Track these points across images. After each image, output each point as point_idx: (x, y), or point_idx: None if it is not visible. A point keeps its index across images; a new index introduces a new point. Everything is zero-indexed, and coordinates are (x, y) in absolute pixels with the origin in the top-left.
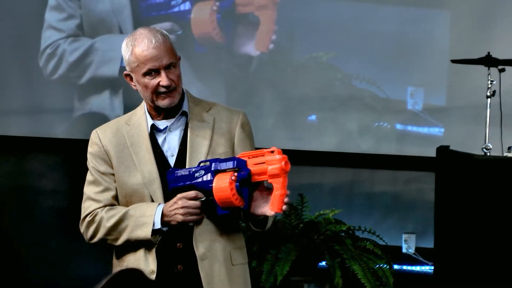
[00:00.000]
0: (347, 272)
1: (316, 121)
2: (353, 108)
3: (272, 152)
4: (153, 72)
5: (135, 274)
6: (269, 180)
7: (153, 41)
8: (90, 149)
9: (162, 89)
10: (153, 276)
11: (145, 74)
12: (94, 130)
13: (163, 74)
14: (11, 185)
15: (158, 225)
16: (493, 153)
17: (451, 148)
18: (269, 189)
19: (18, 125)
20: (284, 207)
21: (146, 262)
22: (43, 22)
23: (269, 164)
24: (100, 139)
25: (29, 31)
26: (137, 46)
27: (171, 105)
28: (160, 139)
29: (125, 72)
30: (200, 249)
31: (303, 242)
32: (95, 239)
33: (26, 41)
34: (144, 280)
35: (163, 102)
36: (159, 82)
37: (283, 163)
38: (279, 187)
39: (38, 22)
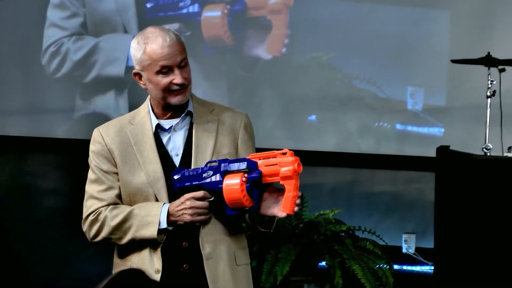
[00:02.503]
0: (347, 272)
1: (316, 121)
2: (353, 108)
3: (285, 154)
4: (166, 70)
5: (136, 274)
6: (281, 182)
7: (167, 39)
8: (92, 147)
9: (175, 87)
10: (158, 276)
11: (158, 72)
12: (96, 129)
13: (177, 72)
14: (11, 185)
15: (164, 225)
16: (493, 153)
17: (451, 148)
18: (279, 190)
19: (18, 125)
20: (296, 208)
21: (151, 261)
22: (44, 22)
23: (281, 165)
24: (103, 137)
25: (29, 30)
26: (150, 44)
27: (182, 102)
28: (164, 138)
29: (134, 71)
30: (206, 248)
31: (303, 242)
32: (98, 238)
33: (26, 41)
34: (146, 280)
35: (174, 99)
36: (172, 80)
37: (296, 165)
38: (291, 188)
39: (38, 21)
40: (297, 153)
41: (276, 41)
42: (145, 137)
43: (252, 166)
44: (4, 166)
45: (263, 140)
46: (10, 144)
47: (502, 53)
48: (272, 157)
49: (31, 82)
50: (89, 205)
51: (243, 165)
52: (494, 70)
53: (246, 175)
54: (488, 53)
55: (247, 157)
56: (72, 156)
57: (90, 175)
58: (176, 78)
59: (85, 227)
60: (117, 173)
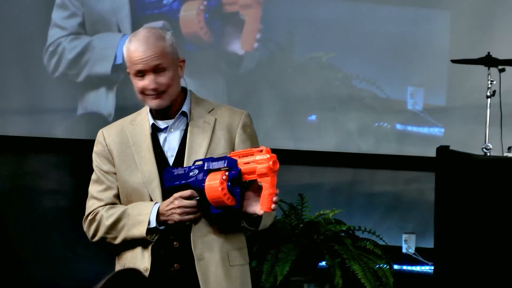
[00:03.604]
0: (347, 272)
1: (316, 121)
2: (353, 108)
3: (261, 151)
4: (141, 74)
5: (134, 274)
6: (258, 180)
7: (144, 42)
8: (95, 148)
9: (148, 92)
10: (146, 274)
11: (135, 75)
12: (100, 130)
13: (150, 77)
14: (12, 185)
15: (153, 224)
16: (493, 153)
17: (451, 148)
18: (261, 188)
19: (18, 125)
20: (273, 206)
21: (142, 260)
22: (44, 21)
23: (257, 163)
24: (104, 138)
25: (29, 30)
26: (130, 46)
27: (160, 107)
28: (161, 138)
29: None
30: (197, 249)
31: (303, 242)
32: (96, 238)
33: (26, 41)
34: (143, 280)
35: (152, 103)
36: (145, 84)
37: (271, 162)
38: (267, 186)
39: (38, 21)
40: (297, 153)
41: (248, 37)
42: (143, 137)
43: (232, 164)
44: (4, 166)
45: (263, 140)
46: (10, 144)
47: (502, 53)
48: (250, 155)
49: (30, 82)
50: (89, 205)
51: (224, 164)
52: (494, 70)
53: (226, 173)
54: (488, 53)
55: (227, 155)
56: (72, 156)
57: (93, 175)
58: (149, 83)
59: (85, 227)
60: (116, 173)
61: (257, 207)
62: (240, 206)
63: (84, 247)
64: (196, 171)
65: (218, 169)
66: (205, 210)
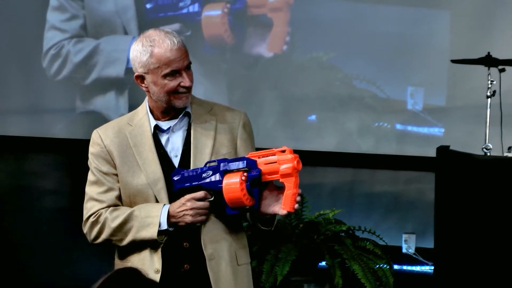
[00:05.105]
0: (347, 272)
1: (316, 121)
2: (353, 108)
3: (283, 151)
4: (175, 73)
5: (132, 273)
6: (281, 180)
7: (175, 43)
8: (91, 149)
9: (182, 90)
10: (158, 276)
11: (166, 75)
12: (95, 130)
13: (184, 75)
14: (11, 185)
15: (164, 226)
16: (493, 153)
17: (451, 148)
18: (279, 188)
19: (18, 125)
20: (296, 206)
21: (151, 262)
22: (44, 23)
23: (281, 163)
24: (102, 139)
25: (30, 31)
26: (158, 48)
27: (186, 105)
28: (163, 139)
29: (136, 73)
30: (208, 249)
31: (303, 242)
32: (99, 240)
33: (26, 42)
34: (142, 280)
35: (179, 102)
36: (179, 83)
37: (295, 162)
38: (291, 186)
39: (38, 22)
40: (297, 153)
41: (277, 39)
42: (144, 138)
43: (251, 164)
44: (4, 166)
45: (263, 139)
46: (10, 144)
47: (502, 53)
48: (271, 155)
49: (31, 82)
50: (89, 207)
51: (242, 164)
52: (494, 70)
53: (245, 174)
54: (488, 53)
55: (246, 156)
56: (72, 156)
57: (90, 177)
58: (184, 81)
59: (85, 229)
60: (116, 175)
61: (276, 207)
62: (258, 206)
63: (83, 247)
64: (210, 172)
65: (237, 170)
66: (218, 211)
